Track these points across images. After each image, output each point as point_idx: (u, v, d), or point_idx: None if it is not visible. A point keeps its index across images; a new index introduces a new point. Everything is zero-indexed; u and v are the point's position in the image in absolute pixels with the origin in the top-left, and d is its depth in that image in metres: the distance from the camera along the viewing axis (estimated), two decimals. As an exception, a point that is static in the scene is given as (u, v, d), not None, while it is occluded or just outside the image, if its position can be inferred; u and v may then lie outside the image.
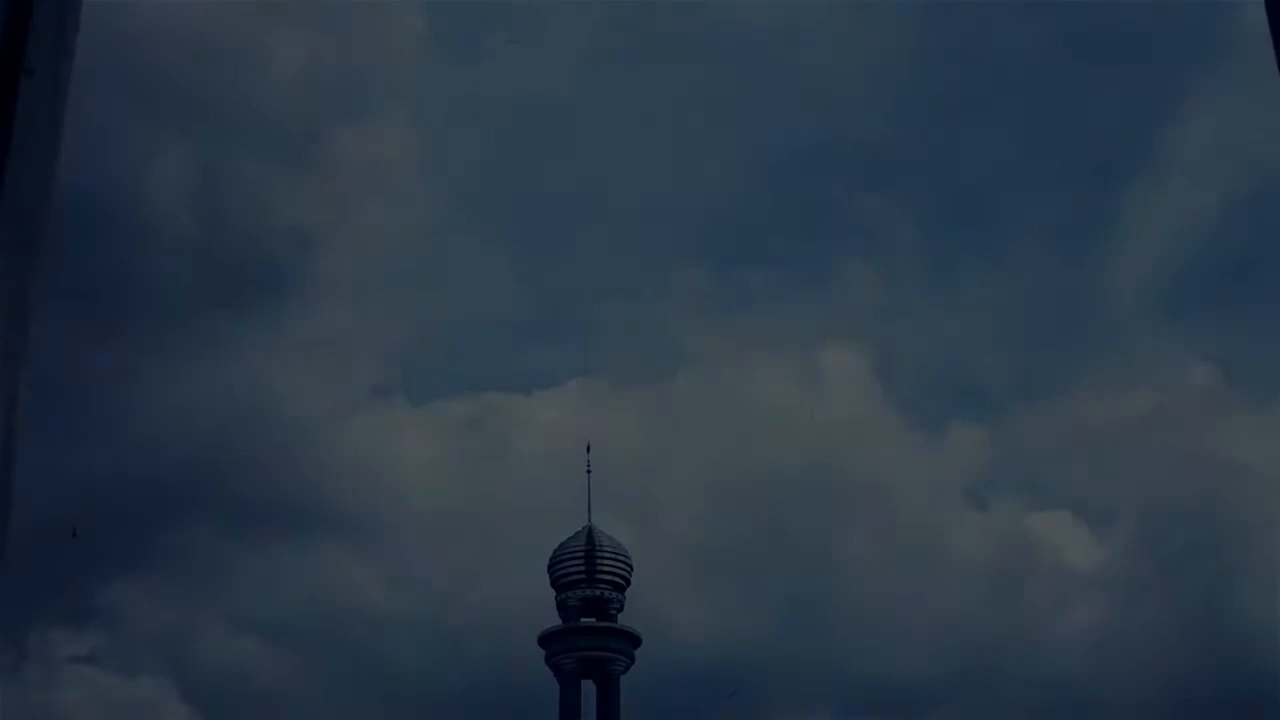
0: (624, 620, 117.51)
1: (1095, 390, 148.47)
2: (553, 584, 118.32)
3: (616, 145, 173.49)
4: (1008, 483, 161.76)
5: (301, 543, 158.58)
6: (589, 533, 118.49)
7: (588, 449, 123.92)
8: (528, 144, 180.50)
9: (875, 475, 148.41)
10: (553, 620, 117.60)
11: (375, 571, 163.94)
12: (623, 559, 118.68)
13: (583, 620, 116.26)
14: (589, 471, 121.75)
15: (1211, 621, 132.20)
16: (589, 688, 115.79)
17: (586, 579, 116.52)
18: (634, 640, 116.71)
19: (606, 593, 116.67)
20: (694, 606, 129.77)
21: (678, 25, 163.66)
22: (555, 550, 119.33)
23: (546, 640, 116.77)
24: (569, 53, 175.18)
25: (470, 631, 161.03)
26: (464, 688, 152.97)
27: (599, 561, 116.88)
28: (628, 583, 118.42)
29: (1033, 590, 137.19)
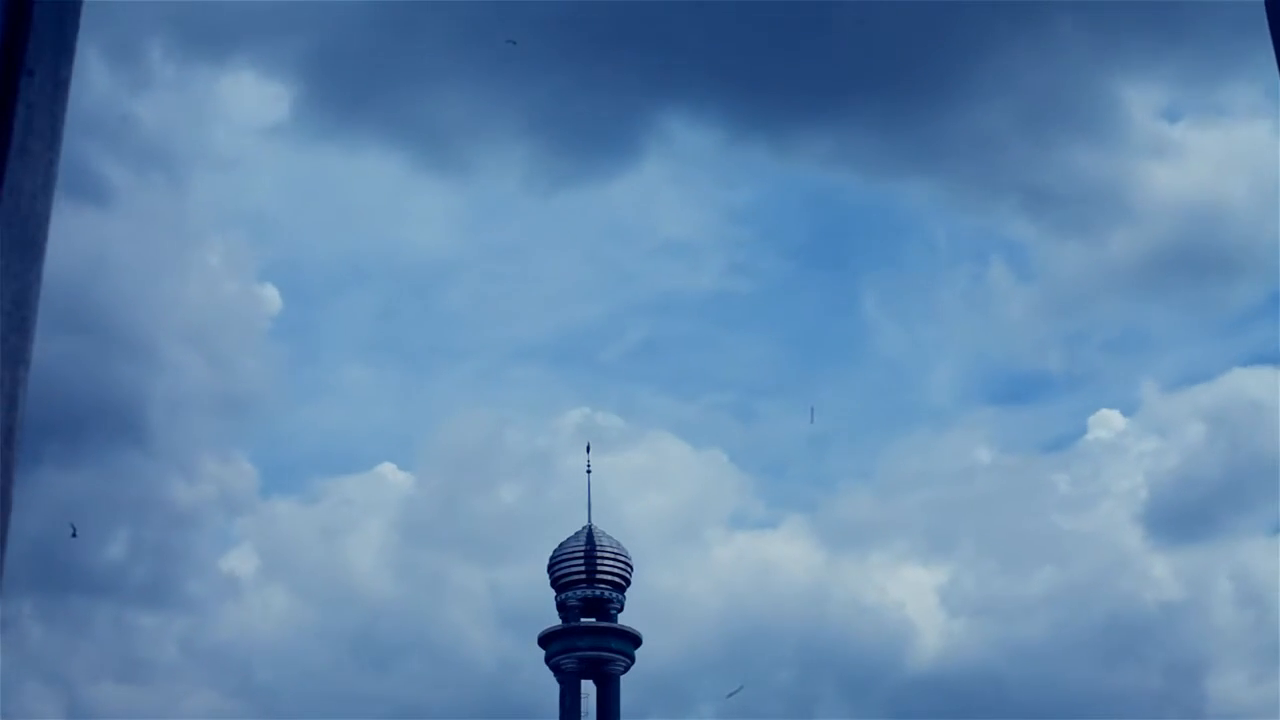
0: (624, 620, 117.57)
1: (924, 467, 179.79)
2: (553, 584, 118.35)
3: (487, 288, 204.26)
4: (851, 543, 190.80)
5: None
6: (589, 533, 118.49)
7: (588, 449, 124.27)
8: (403, 287, 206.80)
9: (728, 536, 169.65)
10: (553, 620, 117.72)
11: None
12: (623, 559, 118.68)
13: (583, 620, 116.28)
14: (589, 471, 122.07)
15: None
16: (589, 688, 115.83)
17: (586, 579, 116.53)
18: (634, 640, 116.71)
19: (606, 593, 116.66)
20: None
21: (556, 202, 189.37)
22: (555, 550, 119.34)
23: (546, 640, 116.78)
24: (440, 210, 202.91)
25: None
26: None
27: (599, 561, 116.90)
28: (628, 583, 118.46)
29: (884, 630, 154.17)
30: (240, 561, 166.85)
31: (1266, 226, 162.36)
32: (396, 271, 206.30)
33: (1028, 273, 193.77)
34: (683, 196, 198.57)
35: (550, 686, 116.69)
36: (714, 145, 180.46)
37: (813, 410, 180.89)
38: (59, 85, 2.93)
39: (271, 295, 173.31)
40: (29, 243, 2.78)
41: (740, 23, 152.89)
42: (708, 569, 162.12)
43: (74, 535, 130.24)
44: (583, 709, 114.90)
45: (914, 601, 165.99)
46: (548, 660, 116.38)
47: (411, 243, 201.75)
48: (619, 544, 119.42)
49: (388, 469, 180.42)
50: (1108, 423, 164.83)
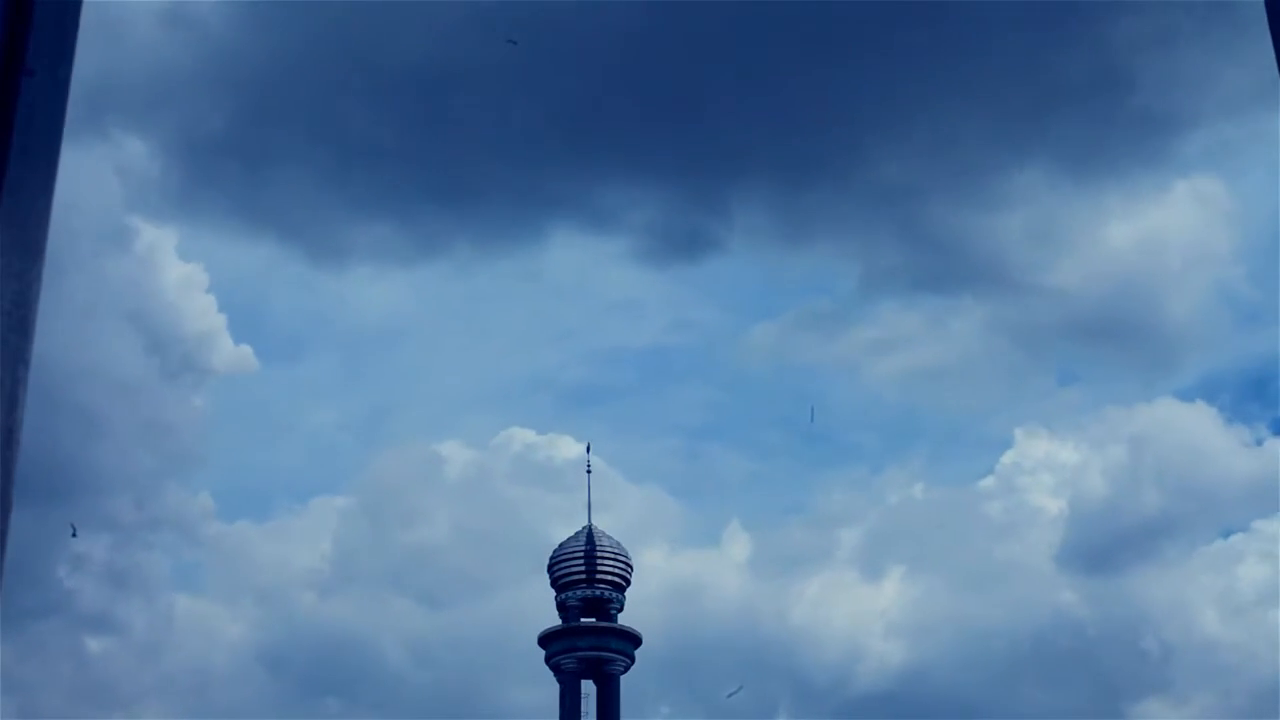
0: (624, 620, 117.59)
1: (853, 499, 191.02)
2: (553, 584, 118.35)
3: (442, 341, 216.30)
4: (790, 569, 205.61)
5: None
6: (589, 533, 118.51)
7: (588, 449, 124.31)
8: (364, 344, 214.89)
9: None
10: (553, 620, 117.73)
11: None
12: (623, 559, 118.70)
13: (583, 620, 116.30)
14: (589, 471, 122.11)
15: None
16: (589, 688, 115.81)
17: (586, 579, 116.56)
18: (634, 640, 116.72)
19: (606, 593, 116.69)
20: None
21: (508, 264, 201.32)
22: (555, 550, 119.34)
23: (546, 640, 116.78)
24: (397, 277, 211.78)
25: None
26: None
27: (599, 561, 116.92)
28: (628, 583, 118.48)
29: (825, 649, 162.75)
30: (198, 589, 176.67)
31: (1174, 294, 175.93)
32: (353, 330, 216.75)
33: (952, 324, 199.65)
34: (622, 261, 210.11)
35: (550, 686, 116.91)
36: (649, 212, 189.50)
37: (812, 410, 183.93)
38: (59, 85, 2.93)
39: (244, 352, 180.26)
40: (29, 243, 2.78)
41: (665, 91, 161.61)
42: (652, 589, 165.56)
43: (74, 535, 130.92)
44: (583, 709, 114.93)
45: (855, 622, 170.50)
46: (548, 660, 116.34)
47: (364, 304, 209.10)
48: (619, 544, 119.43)
49: (340, 501, 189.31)
50: (1033, 454, 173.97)
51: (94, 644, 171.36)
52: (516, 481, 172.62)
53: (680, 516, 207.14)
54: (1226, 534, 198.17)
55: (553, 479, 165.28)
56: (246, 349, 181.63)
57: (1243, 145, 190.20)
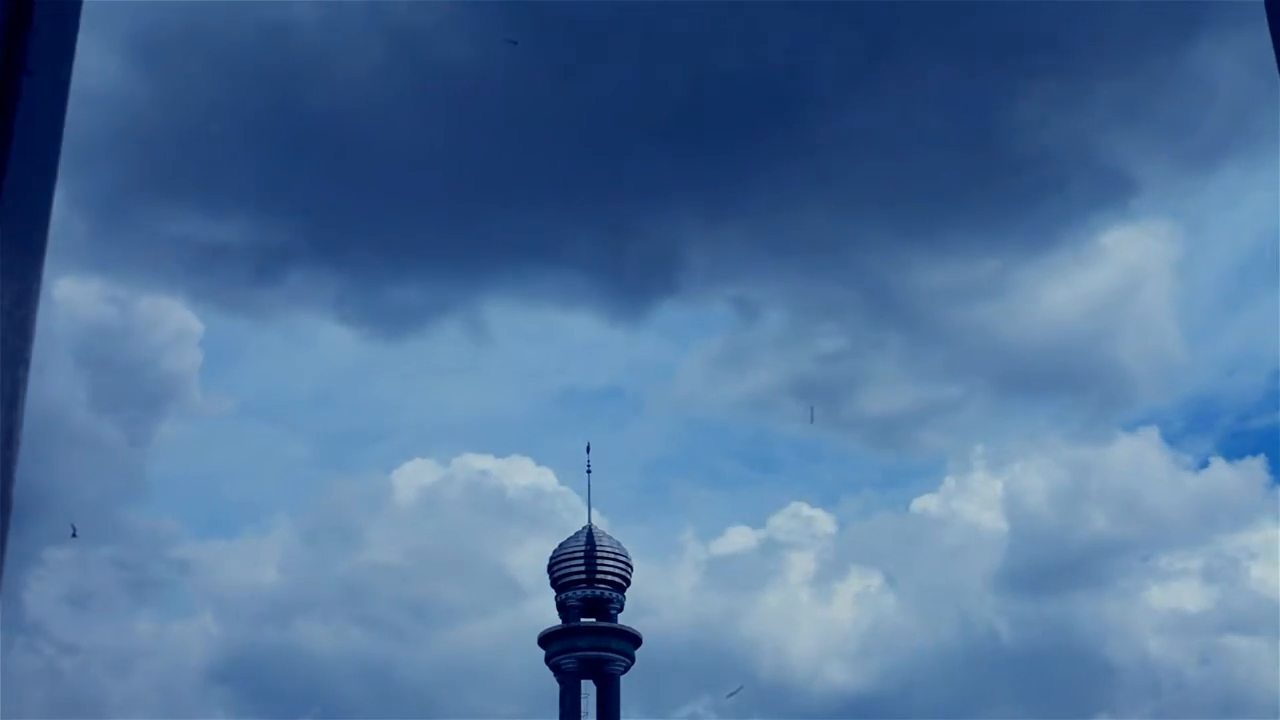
0: (624, 620, 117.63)
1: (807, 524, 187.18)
2: (553, 584, 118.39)
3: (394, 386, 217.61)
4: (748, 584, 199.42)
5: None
6: (589, 533, 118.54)
7: (588, 449, 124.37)
8: (328, 379, 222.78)
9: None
10: (553, 620, 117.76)
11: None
12: (623, 559, 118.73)
13: (583, 620, 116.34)
14: (589, 471, 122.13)
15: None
16: (589, 688, 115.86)
17: (586, 579, 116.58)
18: (634, 640, 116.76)
19: (606, 593, 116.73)
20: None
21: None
22: (555, 550, 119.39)
23: (546, 640, 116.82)
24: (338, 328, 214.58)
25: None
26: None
27: (599, 561, 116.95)
28: (628, 583, 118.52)
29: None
30: (164, 609, 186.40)
31: (1121, 337, 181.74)
32: (327, 370, 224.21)
33: (906, 363, 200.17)
34: (574, 303, 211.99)
35: (550, 686, 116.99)
36: (597, 256, 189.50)
37: (812, 410, 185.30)
38: (59, 85, 2.93)
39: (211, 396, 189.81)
40: (29, 243, 2.78)
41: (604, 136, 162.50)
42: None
43: (74, 535, 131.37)
44: (583, 709, 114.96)
45: (810, 642, 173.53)
46: (548, 660, 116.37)
47: (309, 352, 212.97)
48: (619, 544, 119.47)
49: (299, 526, 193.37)
50: (981, 481, 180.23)
51: (59, 663, 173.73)
52: (472, 506, 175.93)
53: (639, 538, 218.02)
54: (1168, 554, 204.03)
55: (513, 503, 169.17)
56: (213, 392, 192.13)
57: (1193, 191, 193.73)
